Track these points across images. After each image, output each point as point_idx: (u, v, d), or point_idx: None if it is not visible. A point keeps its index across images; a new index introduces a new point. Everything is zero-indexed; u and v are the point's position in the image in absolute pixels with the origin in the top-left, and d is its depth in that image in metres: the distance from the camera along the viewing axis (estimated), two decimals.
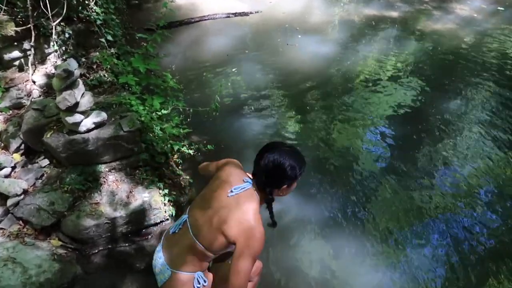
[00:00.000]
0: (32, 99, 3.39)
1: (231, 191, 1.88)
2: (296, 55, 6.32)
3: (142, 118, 3.15)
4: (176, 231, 2.04)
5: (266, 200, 1.92)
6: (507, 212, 3.51)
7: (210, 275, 2.09)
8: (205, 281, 1.99)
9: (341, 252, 3.10)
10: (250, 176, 1.98)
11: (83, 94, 2.85)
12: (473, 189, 3.77)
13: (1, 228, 2.80)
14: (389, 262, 3.05)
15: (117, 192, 2.99)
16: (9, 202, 2.83)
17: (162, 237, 2.13)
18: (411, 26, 7.89)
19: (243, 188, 1.89)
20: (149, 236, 3.07)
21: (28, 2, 3.28)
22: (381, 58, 6.51)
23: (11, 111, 3.33)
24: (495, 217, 3.46)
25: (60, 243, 2.85)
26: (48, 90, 3.50)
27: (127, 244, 2.99)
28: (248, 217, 1.80)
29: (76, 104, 2.78)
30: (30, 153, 3.17)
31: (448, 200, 3.65)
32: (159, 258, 2.04)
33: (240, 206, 1.83)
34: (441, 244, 3.22)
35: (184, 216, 2.05)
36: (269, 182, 1.88)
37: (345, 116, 4.95)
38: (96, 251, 2.92)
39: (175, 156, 3.65)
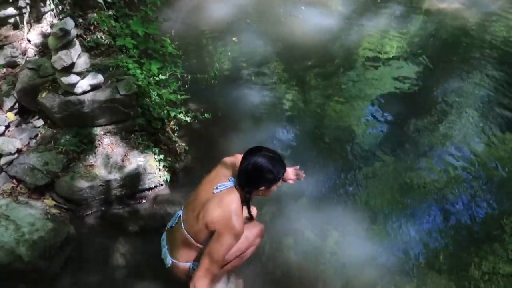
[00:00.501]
0: (27, 58, 3.32)
1: (216, 188, 2.12)
2: (299, 26, 6.19)
3: (139, 82, 3.11)
4: (173, 225, 2.32)
5: (243, 197, 2.11)
6: (502, 195, 3.53)
7: None
8: None
9: (333, 225, 3.13)
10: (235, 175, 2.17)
11: (79, 54, 2.79)
12: (469, 170, 3.78)
13: None
14: (380, 237, 3.08)
15: (112, 156, 2.98)
16: (3, 160, 2.82)
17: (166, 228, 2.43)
18: (416, 4, 7.70)
19: (226, 186, 2.12)
20: (144, 200, 3.08)
21: None
22: (384, 35, 6.39)
23: (5, 69, 3.27)
24: (489, 199, 3.48)
25: (54, 203, 2.85)
26: (43, 49, 3.43)
27: (121, 207, 3.01)
28: (228, 211, 2.03)
29: (72, 64, 2.73)
30: (25, 113, 3.14)
31: (443, 179, 3.67)
32: (163, 247, 2.36)
33: (222, 201, 2.06)
34: (432, 222, 3.25)
35: (179, 212, 2.33)
36: (247, 182, 2.08)
37: (345, 92, 4.90)
38: (90, 212, 2.93)
39: (172, 122, 3.62)
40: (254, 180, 2.08)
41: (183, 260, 2.21)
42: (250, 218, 2.27)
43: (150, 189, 3.10)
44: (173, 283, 2.58)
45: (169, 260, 2.27)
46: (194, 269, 2.15)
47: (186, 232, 2.17)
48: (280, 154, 2.16)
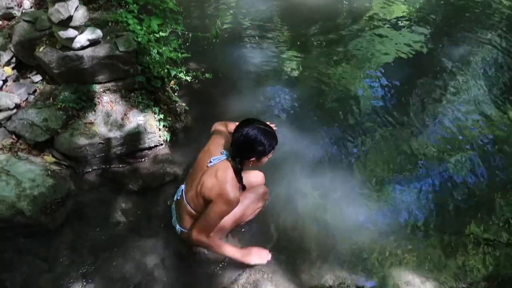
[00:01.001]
0: (23, 10, 3.20)
1: (210, 162, 2.23)
2: None
3: (139, 39, 3.02)
4: (178, 198, 2.48)
5: (235, 168, 2.18)
6: (494, 167, 3.53)
7: None
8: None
9: (330, 189, 3.15)
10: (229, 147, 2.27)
11: (77, 7, 2.68)
12: (466, 141, 3.77)
13: None
14: (376, 202, 3.11)
15: (111, 113, 2.95)
16: (1, 115, 2.79)
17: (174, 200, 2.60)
18: None
19: (219, 159, 2.22)
20: (144, 159, 3.09)
21: None
22: (390, 0, 6.19)
23: (0, 22, 3.16)
24: (489, 168, 3.49)
25: (54, 159, 2.85)
26: (40, 1, 3.31)
27: (121, 166, 3.02)
28: (221, 181, 2.13)
29: (70, 18, 2.64)
30: (22, 67, 3.07)
31: (439, 148, 3.66)
32: (173, 216, 2.56)
33: (216, 174, 2.16)
34: (430, 189, 3.27)
35: (182, 186, 2.48)
36: (238, 153, 2.16)
37: (347, 56, 4.80)
38: (90, 170, 2.94)
39: (172, 82, 3.56)
40: (244, 151, 2.15)
41: (189, 228, 2.40)
42: (243, 188, 2.34)
43: (150, 148, 3.10)
44: (169, 241, 2.64)
45: (178, 228, 2.48)
46: None
47: (187, 204, 2.34)
48: (272, 128, 2.21)
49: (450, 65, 4.83)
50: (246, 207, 2.50)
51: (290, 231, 2.83)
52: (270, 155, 2.24)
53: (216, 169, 2.19)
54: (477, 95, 4.35)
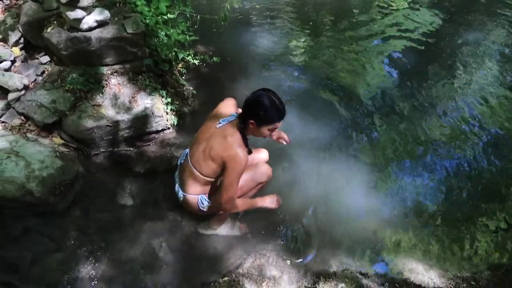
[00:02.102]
0: None
1: (219, 123, 2.25)
2: None
3: (147, 21, 3.00)
4: (182, 161, 2.48)
5: (239, 129, 2.20)
6: (504, 155, 3.50)
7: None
8: (208, 202, 2.40)
9: (337, 175, 3.16)
10: (239, 111, 2.30)
11: None
12: (480, 126, 3.73)
13: (3, 122, 2.81)
14: (382, 189, 3.12)
15: (119, 96, 2.95)
16: (10, 96, 2.80)
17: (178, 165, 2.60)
18: None
19: (229, 120, 2.25)
20: (151, 143, 3.10)
21: None
22: None
23: (8, 1, 3.15)
24: (492, 158, 3.47)
25: (62, 141, 2.87)
26: None
27: (128, 148, 3.03)
28: (230, 143, 2.15)
29: None
30: (30, 48, 3.06)
31: (448, 135, 3.64)
32: (176, 183, 2.52)
33: (225, 135, 2.18)
34: (434, 178, 3.26)
35: (187, 150, 2.46)
36: (244, 112, 2.18)
37: (357, 42, 4.74)
38: (98, 152, 2.96)
39: (180, 65, 3.55)
40: (249, 110, 2.16)
41: (192, 193, 2.39)
42: (249, 152, 2.30)
43: (157, 132, 3.10)
44: (176, 224, 2.67)
45: (180, 194, 2.46)
46: (202, 201, 2.39)
47: (192, 167, 2.32)
48: (284, 105, 2.18)
49: (462, 51, 4.76)
50: (250, 178, 2.50)
51: (295, 216, 2.84)
52: (269, 128, 2.19)
53: (226, 132, 2.20)
54: (490, 82, 4.28)
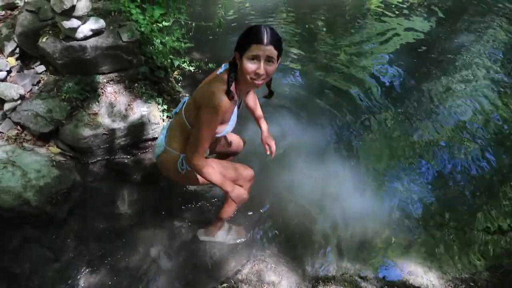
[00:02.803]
0: (26, 0, 3.19)
1: (221, 68, 1.98)
2: None
3: (142, 29, 3.01)
4: (177, 111, 2.24)
5: (229, 72, 1.89)
6: (502, 157, 3.52)
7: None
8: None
9: (334, 178, 3.16)
10: None
11: None
12: (475, 129, 3.75)
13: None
14: (380, 192, 3.12)
15: (115, 104, 2.96)
16: (6, 106, 2.80)
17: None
18: None
19: (223, 68, 1.96)
20: (148, 150, 3.10)
21: None
22: None
23: (3, 12, 3.16)
24: (491, 160, 3.48)
25: (59, 150, 2.87)
26: None
27: (125, 156, 3.03)
28: (211, 87, 1.88)
29: (73, 7, 2.63)
30: (26, 58, 3.07)
31: (447, 137, 3.66)
32: (162, 135, 2.25)
33: (213, 77, 1.94)
34: (432, 180, 3.27)
35: (186, 98, 2.25)
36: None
37: (353, 43, 4.77)
38: (95, 160, 2.96)
39: (175, 72, 3.56)
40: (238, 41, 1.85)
41: (175, 148, 2.14)
42: (228, 94, 1.89)
43: (154, 139, 3.11)
44: (174, 232, 2.66)
45: (161, 147, 2.20)
46: (183, 161, 2.11)
47: (183, 114, 2.09)
48: (263, 29, 1.80)
49: (457, 53, 4.79)
50: (227, 171, 2.25)
51: (293, 221, 2.84)
52: (248, 57, 1.79)
53: (216, 76, 1.95)
54: (486, 84, 4.31)
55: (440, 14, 5.50)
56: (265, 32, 1.78)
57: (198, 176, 2.18)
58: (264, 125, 2.47)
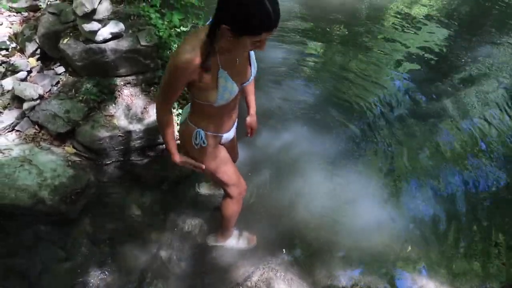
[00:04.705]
0: (49, 2, 3.26)
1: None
2: None
3: (160, 33, 3.05)
4: None
5: (208, 33, 1.56)
6: None
7: (217, 144, 2.08)
8: (204, 142, 1.97)
9: (346, 189, 3.14)
10: None
11: (100, 1, 2.72)
12: (491, 142, 3.69)
13: (18, 131, 2.85)
14: (393, 203, 3.09)
15: (131, 107, 2.99)
16: (25, 105, 2.85)
17: None
18: None
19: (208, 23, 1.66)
20: (162, 153, 3.11)
21: None
22: None
23: (27, 13, 3.23)
24: (506, 172, 3.42)
25: (74, 150, 2.91)
26: None
27: (140, 158, 3.06)
28: (181, 43, 1.65)
29: (94, 11, 2.68)
30: (46, 59, 3.13)
31: (461, 150, 3.60)
32: (187, 108, 2.06)
33: (186, 37, 1.70)
34: (446, 193, 3.22)
35: None
36: (216, 9, 1.50)
37: (368, 52, 4.75)
38: (109, 162, 2.99)
39: None
40: (221, 10, 1.47)
41: (192, 121, 1.96)
42: (206, 68, 1.64)
43: None
44: (185, 236, 2.66)
45: (182, 118, 2.05)
46: (197, 136, 1.95)
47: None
48: (277, 5, 1.45)
49: (474, 65, 4.73)
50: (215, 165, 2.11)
51: (304, 230, 2.82)
52: (255, 40, 1.52)
53: (188, 35, 1.71)
54: (503, 97, 4.25)
55: (457, 26, 5.45)
56: (277, 15, 1.46)
57: (211, 163, 2.08)
58: (253, 109, 2.32)
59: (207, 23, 1.66)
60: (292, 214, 2.90)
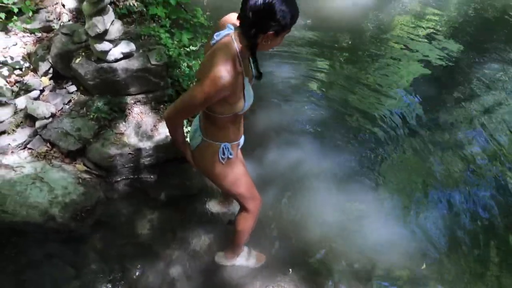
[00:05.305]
0: (62, 23, 3.34)
1: (213, 39, 1.76)
2: (331, 3, 6.03)
3: (170, 52, 3.11)
4: None
5: (249, 45, 1.69)
6: None
7: (239, 153, 2.16)
8: (230, 154, 2.00)
9: (357, 205, 3.13)
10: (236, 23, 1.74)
11: (112, 21, 2.80)
12: (501, 159, 3.67)
13: (30, 148, 2.90)
14: (403, 221, 3.06)
15: (141, 125, 3.03)
16: (38, 124, 2.90)
17: None
18: None
19: (223, 34, 1.74)
20: (172, 170, 3.13)
21: None
22: (419, 14, 6.15)
23: (40, 34, 3.31)
24: None
25: (85, 168, 2.94)
26: (77, 15, 3.44)
27: (149, 176, 3.08)
28: (215, 56, 1.67)
29: (105, 31, 2.75)
30: (59, 78, 3.19)
31: (473, 166, 3.58)
32: (194, 126, 2.11)
33: (213, 50, 1.71)
34: (457, 209, 3.20)
35: None
36: (255, 23, 1.62)
37: (374, 71, 4.78)
38: (119, 179, 3.01)
39: None
40: (263, 20, 1.61)
41: (213, 138, 1.98)
42: (258, 77, 1.82)
43: (178, 160, 3.14)
44: (195, 253, 2.66)
45: (198, 139, 2.03)
46: (224, 150, 1.98)
47: None
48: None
49: (479, 81, 4.74)
50: (236, 181, 2.15)
51: (314, 248, 2.81)
52: (286, 34, 1.72)
53: (217, 46, 1.71)
54: (508, 113, 4.24)
55: (464, 41, 5.48)
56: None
57: (233, 175, 2.09)
58: None
59: (226, 31, 1.73)
60: (302, 232, 2.88)
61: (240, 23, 1.69)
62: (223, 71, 1.63)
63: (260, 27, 1.63)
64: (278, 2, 1.58)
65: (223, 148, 1.98)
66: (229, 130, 1.97)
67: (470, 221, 3.10)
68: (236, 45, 1.69)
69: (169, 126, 1.92)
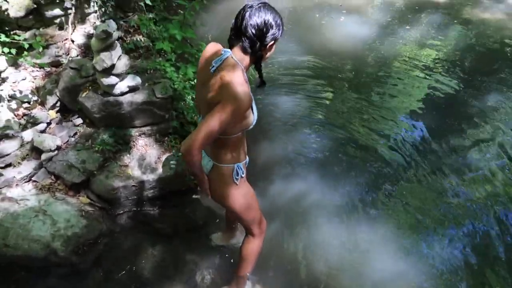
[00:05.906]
0: (70, 58, 3.43)
1: (212, 66, 1.86)
2: (335, 34, 6.16)
3: (175, 86, 3.16)
4: None
5: (256, 59, 1.88)
6: None
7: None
8: (243, 172, 2.07)
9: (360, 239, 3.07)
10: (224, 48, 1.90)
11: (119, 56, 2.87)
12: (504, 191, 3.63)
13: (35, 181, 2.91)
14: (410, 253, 3.00)
15: (145, 157, 3.04)
16: (43, 156, 2.92)
17: None
18: (456, 13, 7.50)
19: (222, 59, 1.85)
20: (175, 203, 3.12)
21: None
22: (420, 45, 6.25)
23: (49, 68, 3.40)
24: None
25: (88, 200, 2.94)
26: (85, 50, 3.54)
27: (153, 208, 3.06)
28: (230, 80, 1.75)
29: (113, 66, 2.82)
30: (65, 111, 3.25)
31: (476, 198, 3.53)
32: (204, 156, 2.07)
33: (222, 75, 1.79)
34: (463, 241, 3.13)
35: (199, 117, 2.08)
36: (258, 38, 1.81)
37: (376, 101, 4.81)
38: (122, 211, 3.00)
39: None
40: (263, 35, 1.81)
41: (225, 162, 2.00)
42: (261, 84, 2.04)
43: (181, 192, 3.14)
44: (196, 286, 2.60)
45: (209, 165, 2.04)
46: (237, 170, 2.02)
47: None
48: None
49: (480, 112, 4.75)
50: (247, 205, 2.17)
51: (318, 281, 2.74)
52: (279, 39, 1.90)
53: (222, 70, 1.81)
54: (509, 144, 4.22)
55: (468, 72, 5.54)
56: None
57: (246, 198, 2.13)
58: None
59: (224, 55, 1.84)
60: (306, 265, 2.82)
61: (241, 42, 1.84)
62: (245, 89, 1.77)
63: (263, 40, 1.83)
64: (271, 17, 1.82)
65: (236, 169, 2.03)
66: (239, 149, 2.04)
67: (483, 254, 3.02)
68: (240, 63, 1.84)
69: (190, 159, 1.82)
